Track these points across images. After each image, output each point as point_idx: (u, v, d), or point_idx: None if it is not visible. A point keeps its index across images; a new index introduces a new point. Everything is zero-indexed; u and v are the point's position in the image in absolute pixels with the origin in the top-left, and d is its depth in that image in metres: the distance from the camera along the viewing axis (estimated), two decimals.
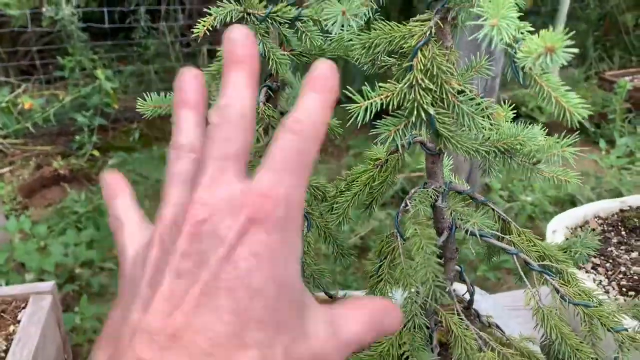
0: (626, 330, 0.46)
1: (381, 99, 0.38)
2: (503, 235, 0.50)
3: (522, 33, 0.33)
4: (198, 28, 0.49)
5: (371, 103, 0.38)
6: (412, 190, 0.48)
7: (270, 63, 0.51)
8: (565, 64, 0.30)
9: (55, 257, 1.97)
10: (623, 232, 0.88)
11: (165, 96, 0.53)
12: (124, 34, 3.88)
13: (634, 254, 0.82)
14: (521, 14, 0.35)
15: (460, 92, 0.41)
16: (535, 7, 4.17)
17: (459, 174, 2.30)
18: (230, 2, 0.49)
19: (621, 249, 0.83)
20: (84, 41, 3.54)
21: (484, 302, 0.76)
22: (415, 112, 0.39)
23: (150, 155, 3.20)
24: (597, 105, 3.24)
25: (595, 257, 0.81)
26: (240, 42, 0.27)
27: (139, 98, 0.54)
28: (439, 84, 0.39)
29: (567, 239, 0.84)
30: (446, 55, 0.41)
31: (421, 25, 0.40)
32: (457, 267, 0.54)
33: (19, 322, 0.70)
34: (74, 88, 3.45)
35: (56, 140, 3.35)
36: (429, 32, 0.39)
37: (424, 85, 0.39)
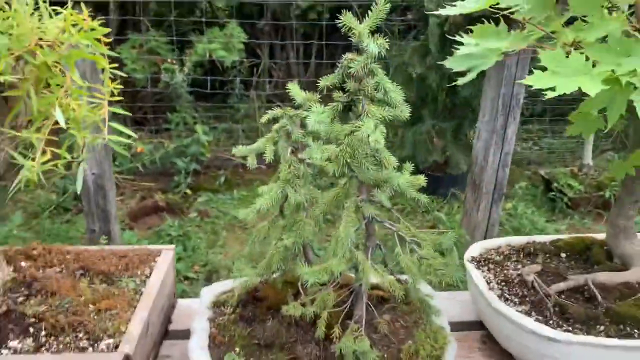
0: (443, 273, 0.98)
1: (329, 153, 0.95)
2: (395, 224, 1.03)
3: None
4: (264, 118, 1.08)
5: (323, 154, 0.94)
6: (350, 200, 1.03)
7: (293, 136, 1.09)
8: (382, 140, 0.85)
9: None
10: (521, 255, 1.36)
11: None
12: (221, 97, 4.72)
13: (519, 265, 1.30)
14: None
15: (366, 154, 0.96)
16: None
17: (477, 230, 2.76)
18: (278, 107, 1.08)
19: (513, 262, 1.32)
20: (189, 101, 4.37)
21: None
22: (342, 160, 0.95)
23: (231, 196, 3.88)
24: None
25: (491, 264, 1.30)
26: None
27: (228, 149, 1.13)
28: (354, 149, 0.95)
29: (480, 254, 1.35)
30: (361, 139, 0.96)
31: (350, 125, 0.97)
32: (377, 242, 1.07)
33: (156, 261, 1.29)
34: (177, 138, 4.25)
35: (159, 178, 4.12)
36: (352, 129, 0.96)
37: (346, 150, 0.95)
